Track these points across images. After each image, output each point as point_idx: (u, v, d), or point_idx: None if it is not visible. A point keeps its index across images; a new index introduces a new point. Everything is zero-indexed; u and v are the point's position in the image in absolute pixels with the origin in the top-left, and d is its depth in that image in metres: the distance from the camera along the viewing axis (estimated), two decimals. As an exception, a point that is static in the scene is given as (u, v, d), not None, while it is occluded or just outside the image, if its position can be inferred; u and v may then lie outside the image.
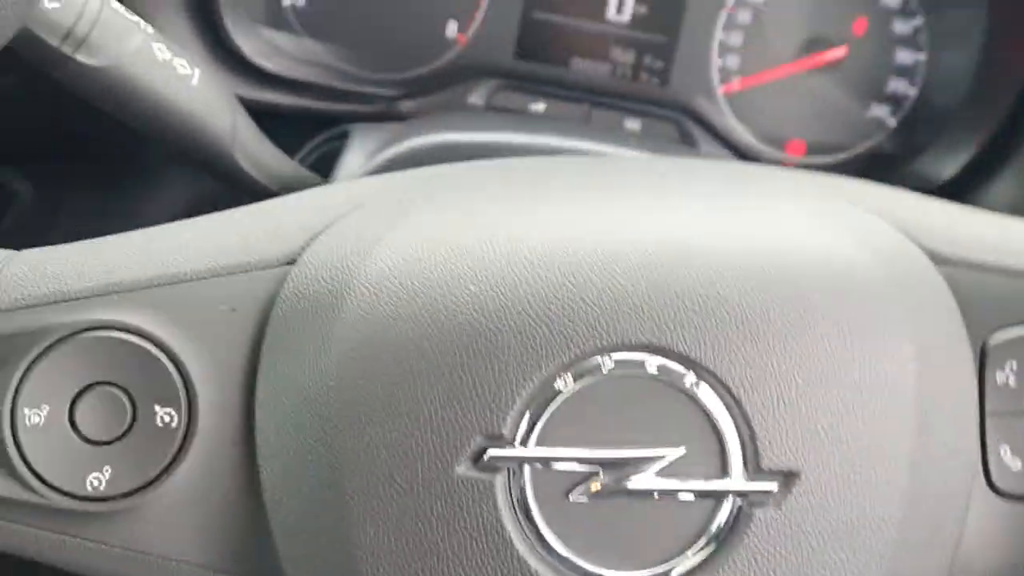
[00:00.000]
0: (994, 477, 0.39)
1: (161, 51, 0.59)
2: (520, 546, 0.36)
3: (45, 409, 0.38)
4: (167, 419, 0.39)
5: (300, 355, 0.39)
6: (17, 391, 0.38)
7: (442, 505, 0.36)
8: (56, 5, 0.53)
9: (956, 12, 0.89)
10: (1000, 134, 0.86)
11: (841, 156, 0.92)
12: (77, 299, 0.39)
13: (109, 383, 0.39)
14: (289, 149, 0.71)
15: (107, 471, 0.38)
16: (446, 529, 0.36)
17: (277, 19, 0.89)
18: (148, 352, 0.39)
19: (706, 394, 0.37)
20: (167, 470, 0.39)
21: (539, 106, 0.89)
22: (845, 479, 0.37)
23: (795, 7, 0.90)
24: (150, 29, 0.59)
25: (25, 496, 0.38)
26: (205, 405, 0.39)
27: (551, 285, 0.37)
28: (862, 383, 0.37)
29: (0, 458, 0.38)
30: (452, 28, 0.90)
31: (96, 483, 0.38)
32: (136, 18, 0.58)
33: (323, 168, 0.71)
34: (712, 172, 0.46)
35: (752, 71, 0.91)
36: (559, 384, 0.37)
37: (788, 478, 0.37)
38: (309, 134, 0.78)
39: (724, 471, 0.37)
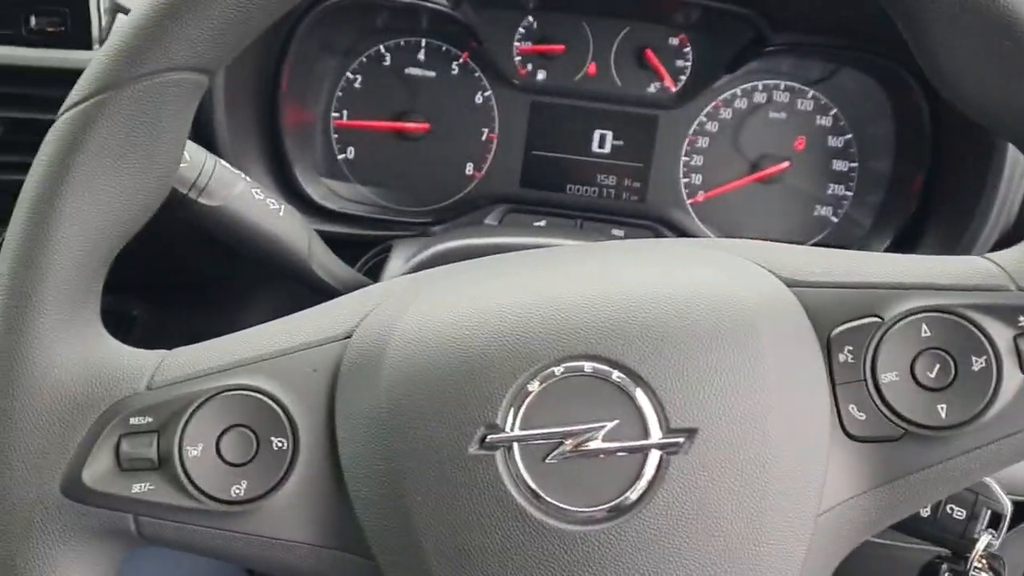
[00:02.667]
0: (847, 426, 0.49)
1: (256, 193, 0.73)
2: (517, 497, 0.47)
3: (200, 446, 0.50)
4: (280, 445, 0.50)
5: (360, 393, 0.50)
6: (182, 435, 0.50)
7: (463, 475, 0.47)
8: (185, 164, 0.68)
9: (874, 128, 1.01)
10: (911, 223, 0.98)
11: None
12: (216, 372, 0.51)
13: (241, 425, 0.50)
14: (350, 261, 0.84)
15: (243, 483, 0.50)
16: (467, 491, 0.47)
17: (333, 170, 1.05)
18: (264, 402, 0.50)
19: (626, 383, 0.47)
20: (283, 479, 0.50)
21: (541, 223, 1.02)
22: (728, 432, 0.47)
23: (744, 132, 1.02)
24: (248, 178, 0.73)
25: (191, 504, 0.50)
26: (304, 434, 0.50)
27: (515, 326, 0.49)
28: (733, 366, 0.48)
29: (174, 480, 0.49)
30: (470, 167, 1.04)
31: (237, 491, 0.49)
32: (238, 171, 0.73)
33: (374, 274, 0.86)
34: (628, 246, 0.58)
35: (713, 185, 1.03)
36: (530, 387, 0.48)
37: (690, 433, 0.47)
38: (365, 249, 0.92)
39: (646, 433, 0.47)
